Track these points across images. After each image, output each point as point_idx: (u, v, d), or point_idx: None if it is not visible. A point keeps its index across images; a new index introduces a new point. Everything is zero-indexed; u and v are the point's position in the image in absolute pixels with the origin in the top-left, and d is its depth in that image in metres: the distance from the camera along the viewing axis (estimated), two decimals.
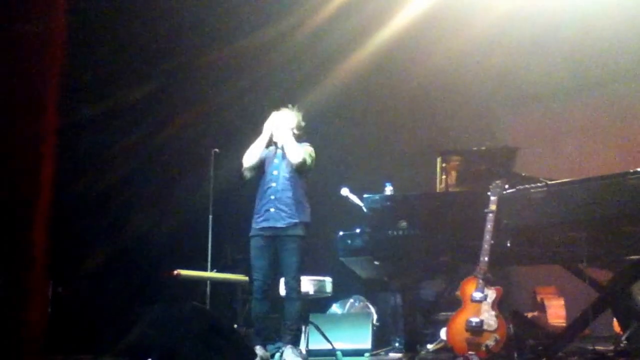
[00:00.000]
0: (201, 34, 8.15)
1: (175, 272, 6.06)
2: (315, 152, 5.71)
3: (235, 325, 6.76)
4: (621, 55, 8.15)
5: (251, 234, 5.54)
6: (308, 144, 5.69)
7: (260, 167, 5.64)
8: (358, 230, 5.57)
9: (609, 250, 5.09)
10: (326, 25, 7.96)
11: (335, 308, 7.62)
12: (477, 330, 4.77)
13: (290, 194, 5.48)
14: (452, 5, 7.72)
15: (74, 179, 7.24)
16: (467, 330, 4.80)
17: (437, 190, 6.03)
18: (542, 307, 6.87)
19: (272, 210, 5.46)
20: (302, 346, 6.37)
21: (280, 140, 5.58)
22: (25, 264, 6.36)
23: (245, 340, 5.26)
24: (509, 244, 5.09)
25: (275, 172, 5.58)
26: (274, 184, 5.54)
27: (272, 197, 5.50)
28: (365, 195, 5.62)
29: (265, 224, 5.47)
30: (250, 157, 5.61)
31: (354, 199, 5.90)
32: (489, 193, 5.13)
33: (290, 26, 7.98)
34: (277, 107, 5.79)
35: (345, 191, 5.94)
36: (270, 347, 5.60)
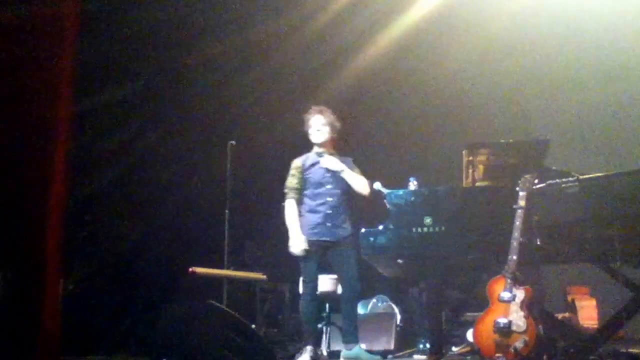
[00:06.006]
0: (218, 23, 8.18)
1: (191, 269, 6.13)
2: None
3: (254, 325, 6.82)
4: None
5: None
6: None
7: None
8: (381, 227, 5.57)
9: None
10: (347, 14, 7.97)
11: (357, 308, 7.63)
12: (505, 331, 4.78)
13: None
14: None
15: (86, 174, 7.32)
16: (495, 332, 4.81)
17: (464, 185, 6.02)
18: (573, 308, 6.86)
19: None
20: (323, 347, 6.43)
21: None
22: (37, 262, 6.44)
23: (263, 340, 5.30)
24: (538, 242, 5.11)
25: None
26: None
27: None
28: (388, 191, 5.62)
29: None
30: None
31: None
32: (518, 188, 5.13)
33: (308, 14, 8.00)
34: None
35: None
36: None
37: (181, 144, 8.38)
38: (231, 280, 6.66)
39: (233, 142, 6.86)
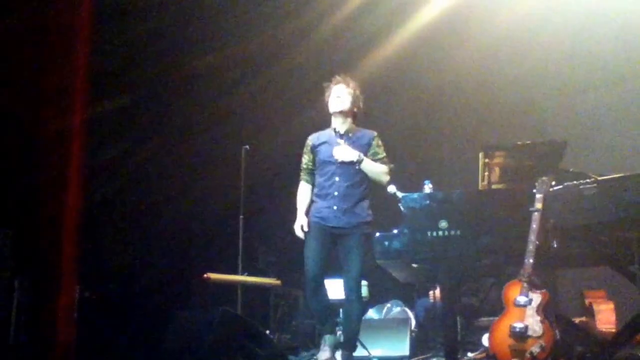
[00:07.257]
0: (231, 27, 8.22)
1: (205, 275, 6.16)
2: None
3: (268, 331, 6.83)
4: None
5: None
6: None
7: None
8: (396, 231, 5.55)
9: None
10: (360, 17, 7.98)
11: (371, 313, 7.65)
12: (521, 336, 4.76)
13: None
14: None
15: (101, 180, 7.36)
16: (510, 337, 4.79)
17: (480, 188, 6.02)
18: (590, 312, 6.80)
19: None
20: (338, 355, 6.41)
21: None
22: (52, 269, 6.49)
23: (277, 346, 5.31)
24: (555, 245, 5.09)
25: None
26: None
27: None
28: (403, 194, 5.60)
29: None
30: None
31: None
32: (534, 190, 5.12)
33: (320, 16, 8.01)
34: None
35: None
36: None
37: (195, 149, 8.41)
38: (245, 286, 6.68)
39: (247, 147, 6.88)
